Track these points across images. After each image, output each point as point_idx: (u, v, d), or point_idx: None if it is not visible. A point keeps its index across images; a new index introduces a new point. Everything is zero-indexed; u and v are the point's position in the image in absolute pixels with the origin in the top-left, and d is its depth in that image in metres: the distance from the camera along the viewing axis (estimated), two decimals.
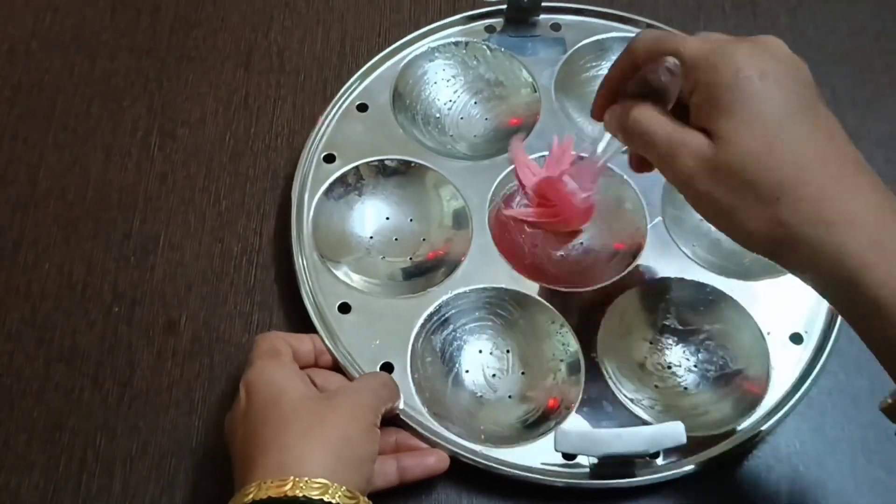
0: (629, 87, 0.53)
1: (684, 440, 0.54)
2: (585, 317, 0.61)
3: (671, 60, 0.50)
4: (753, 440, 0.58)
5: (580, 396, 0.59)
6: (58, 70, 0.73)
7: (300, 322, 0.61)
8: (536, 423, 0.59)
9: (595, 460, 0.56)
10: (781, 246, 0.46)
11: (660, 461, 0.57)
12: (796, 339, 0.62)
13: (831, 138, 0.46)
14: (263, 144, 0.70)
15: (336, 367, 0.59)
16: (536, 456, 0.57)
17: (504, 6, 0.73)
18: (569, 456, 0.57)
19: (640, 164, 0.56)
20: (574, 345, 0.60)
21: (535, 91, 0.70)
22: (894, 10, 0.79)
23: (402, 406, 0.57)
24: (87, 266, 0.65)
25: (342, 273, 0.63)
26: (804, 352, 0.61)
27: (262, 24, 0.76)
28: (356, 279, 0.63)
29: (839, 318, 0.61)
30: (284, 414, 0.50)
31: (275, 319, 0.63)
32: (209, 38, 0.75)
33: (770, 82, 0.46)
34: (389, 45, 0.72)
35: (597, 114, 0.55)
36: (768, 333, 0.61)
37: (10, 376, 0.61)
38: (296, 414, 0.50)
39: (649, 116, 0.50)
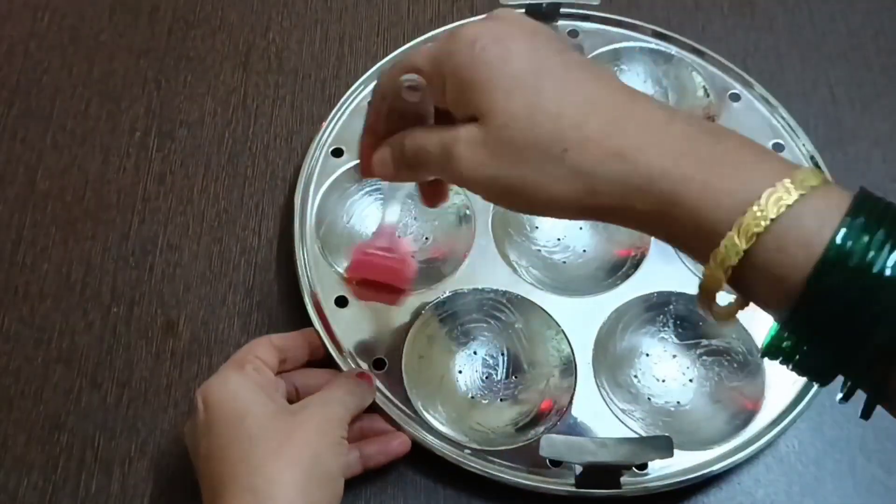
0: (384, 127, 0.49)
1: (672, 454, 0.53)
2: (582, 324, 0.61)
3: (409, 77, 0.47)
4: (741, 462, 0.58)
5: (571, 404, 0.59)
6: (56, 70, 0.73)
7: (300, 321, 0.61)
8: (526, 428, 0.59)
9: (580, 468, 0.56)
10: (592, 198, 0.41)
11: (648, 473, 0.57)
12: None
13: (596, 77, 0.43)
14: (262, 145, 0.70)
15: (328, 361, 0.59)
16: (524, 461, 0.57)
17: (523, 10, 0.73)
18: (556, 463, 0.57)
19: (431, 195, 0.53)
20: (568, 352, 0.60)
21: None
22: (892, 9, 0.79)
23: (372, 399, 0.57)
24: (85, 266, 0.65)
25: (342, 267, 0.63)
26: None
27: (260, 24, 0.76)
28: None
29: None
30: (251, 433, 0.49)
31: (273, 320, 0.63)
32: (207, 38, 0.75)
33: (508, 42, 0.43)
34: (388, 45, 0.73)
35: (366, 168, 0.50)
36: None
37: (9, 377, 0.61)
38: (263, 432, 0.49)
39: (417, 134, 0.46)
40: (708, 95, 0.71)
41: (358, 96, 0.70)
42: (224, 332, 0.63)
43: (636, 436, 0.58)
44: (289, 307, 0.63)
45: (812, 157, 0.69)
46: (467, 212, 0.65)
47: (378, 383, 0.58)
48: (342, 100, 0.69)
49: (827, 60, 0.76)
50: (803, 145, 0.69)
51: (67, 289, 0.64)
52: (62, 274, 0.65)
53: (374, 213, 0.66)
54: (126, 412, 0.60)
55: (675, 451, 0.54)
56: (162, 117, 0.71)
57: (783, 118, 0.70)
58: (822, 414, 0.62)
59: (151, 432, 0.59)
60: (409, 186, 0.61)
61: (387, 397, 0.58)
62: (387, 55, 0.72)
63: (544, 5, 0.72)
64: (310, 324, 0.60)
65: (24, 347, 0.62)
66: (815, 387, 0.59)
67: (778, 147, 0.69)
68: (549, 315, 0.61)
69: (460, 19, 0.74)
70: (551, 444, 0.54)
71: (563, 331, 0.61)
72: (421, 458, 0.58)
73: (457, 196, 0.66)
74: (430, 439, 0.57)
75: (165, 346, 0.62)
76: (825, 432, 0.61)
